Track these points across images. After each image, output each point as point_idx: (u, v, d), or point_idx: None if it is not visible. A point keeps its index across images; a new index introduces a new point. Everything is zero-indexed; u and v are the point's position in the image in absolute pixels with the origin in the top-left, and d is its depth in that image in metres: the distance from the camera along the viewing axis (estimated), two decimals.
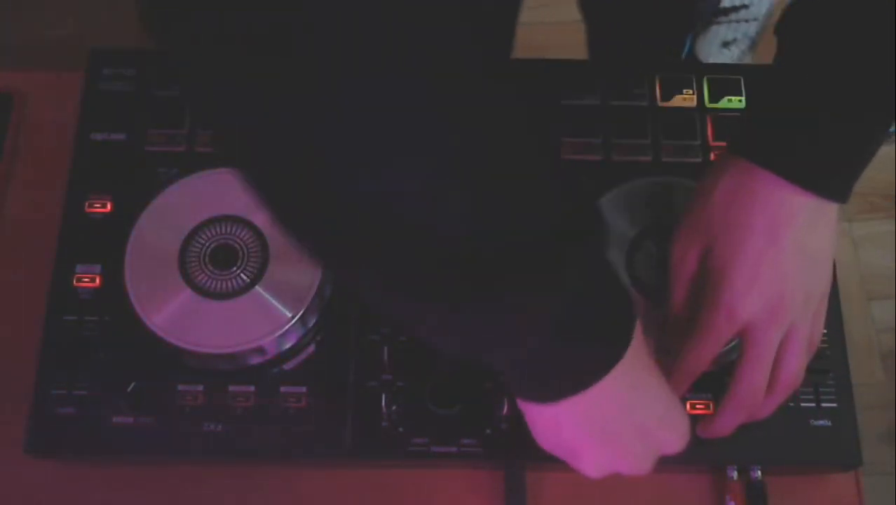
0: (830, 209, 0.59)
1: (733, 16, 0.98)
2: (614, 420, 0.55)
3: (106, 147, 0.73)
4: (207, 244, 0.68)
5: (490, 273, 0.42)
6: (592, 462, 0.58)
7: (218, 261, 0.68)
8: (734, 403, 0.61)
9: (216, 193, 0.70)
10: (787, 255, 0.58)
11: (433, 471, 0.69)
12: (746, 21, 0.98)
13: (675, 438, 0.58)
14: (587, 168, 0.73)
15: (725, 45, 1.02)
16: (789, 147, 0.58)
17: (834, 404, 0.68)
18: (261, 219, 0.69)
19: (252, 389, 0.67)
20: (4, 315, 0.73)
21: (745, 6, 0.97)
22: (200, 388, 0.67)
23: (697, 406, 0.67)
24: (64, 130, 0.75)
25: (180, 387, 0.67)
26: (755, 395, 0.60)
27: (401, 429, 0.67)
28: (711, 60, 1.05)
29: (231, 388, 0.67)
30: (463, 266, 0.41)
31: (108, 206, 0.71)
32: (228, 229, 0.69)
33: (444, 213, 0.39)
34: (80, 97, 0.75)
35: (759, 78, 0.74)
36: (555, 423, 0.56)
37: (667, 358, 0.62)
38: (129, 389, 0.67)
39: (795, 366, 0.60)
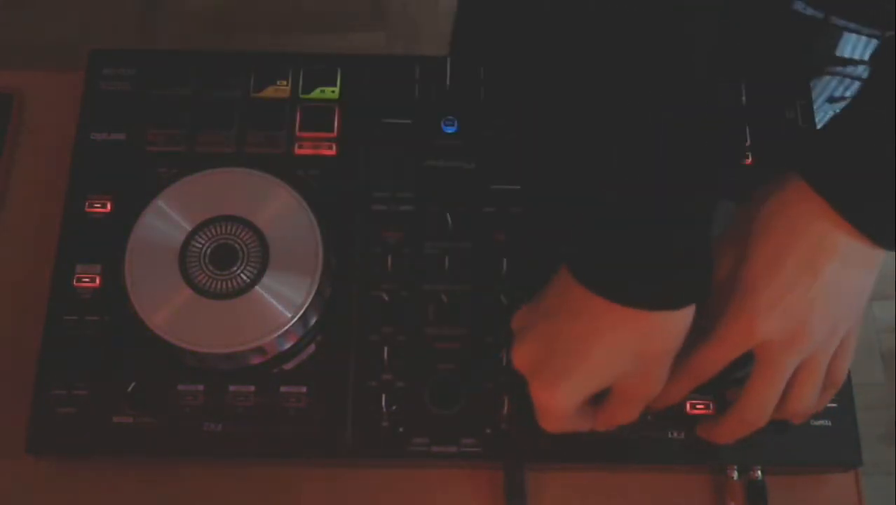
0: (876, 253, 0.58)
1: (849, 69, 0.86)
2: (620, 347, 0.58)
3: (106, 147, 0.73)
4: (207, 244, 0.68)
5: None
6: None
7: (218, 261, 0.68)
8: (738, 419, 0.61)
9: (216, 193, 0.70)
10: (821, 286, 0.57)
11: (433, 471, 0.69)
12: (861, 80, 0.87)
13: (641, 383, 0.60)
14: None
15: (832, 101, 0.89)
16: (851, 181, 0.56)
17: (834, 404, 0.68)
18: (261, 219, 0.69)
19: (252, 389, 0.67)
20: (4, 315, 0.73)
21: (863, 62, 0.85)
22: (200, 388, 0.67)
23: (698, 406, 0.67)
24: (64, 130, 0.75)
25: (180, 387, 0.67)
26: (760, 415, 0.60)
27: (401, 429, 0.67)
28: (817, 116, 0.90)
29: (231, 388, 0.67)
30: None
31: (108, 206, 0.71)
32: (228, 229, 0.69)
33: None
34: (80, 97, 0.75)
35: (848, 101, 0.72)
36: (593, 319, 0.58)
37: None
38: (129, 389, 0.67)
39: (806, 395, 0.60)
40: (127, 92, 0.75)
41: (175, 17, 1.70)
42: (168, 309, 0.66)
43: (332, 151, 0.74)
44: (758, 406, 0.59)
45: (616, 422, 0.62)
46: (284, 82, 0.76)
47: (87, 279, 0.69)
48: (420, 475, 0.69)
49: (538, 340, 0.60)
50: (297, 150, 0.73)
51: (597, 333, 0.58)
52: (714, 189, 0.59)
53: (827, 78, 0.87)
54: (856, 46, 0.83)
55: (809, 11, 0.80)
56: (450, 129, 0.74)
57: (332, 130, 0.74)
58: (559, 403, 0.59)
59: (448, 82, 0.76)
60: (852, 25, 0.80)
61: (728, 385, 0.65)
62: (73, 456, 0.68)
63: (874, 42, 0.82)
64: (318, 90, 0.75)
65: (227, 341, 0.66)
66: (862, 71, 0.86)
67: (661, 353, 0.59)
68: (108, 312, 0.68)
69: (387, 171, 0.73)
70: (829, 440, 0.67)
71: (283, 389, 0.67)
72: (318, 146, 0.74)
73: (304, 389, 0.67)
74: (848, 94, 0.78)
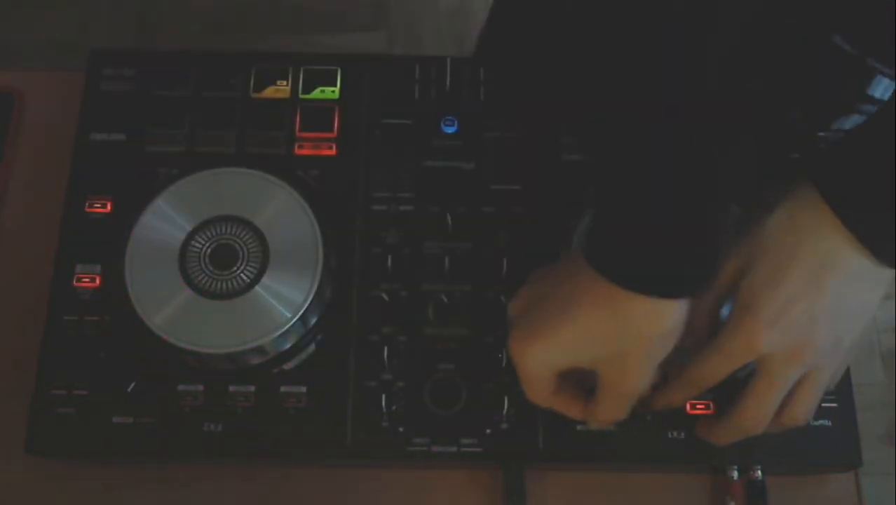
0: (883, 272, 0.57)
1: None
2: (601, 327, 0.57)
3: (106, 147, 0.73)
4: (207, 244, 0.68)
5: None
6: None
7: (218, 261, 0.68)
8: (735, 425, 0.61)
9: (216, 193, 0.70)
10: (825, 302, 0.56)
11: (433, 471, 0.69)
12: None
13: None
14: (588, 168, 0.73)
15: None
16: (861, 197, 0.56)
17: (834, 404, 0.68)
18: (261, 219, 0.69)
19: (252, 389, 0.67)
20: (4, 315, 0.73)
21: None
22: (200, 388, 0.67)
23: (698, 406, 0.67)
24: (64, 130, 0.75)
25: (180, 387, 0.67)
26: (758, 423, 0.60)
27: (401, 429, 0.67)
28: None
29: (231, 388, 0.67)
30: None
31: (108, 207, 0.71)
32: (228, 229, 0.69)
33: None
34: (80, 97, 0.75)
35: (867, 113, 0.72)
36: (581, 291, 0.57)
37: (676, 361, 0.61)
38: (129, 389, 0.67)
39: (807, 406, 0.59)
40: (127, 92, 0.75)
41: (175, 17, 1.69)
42: (168, 309, 0.66)
43: (332, 151, 0.74)
44: (756, 415, 0.59)
45: (601, 416, 0.61)
46: (284, 82, 0.76)
47: (87, 279, 0.69)
48: (420, 475, 0.69)
49: (527, 296, 0.61)
50: (297, 150, 0.73)
51: (577, 302, 0.57)
52: (722, 195, 0.58)
53: (856, 116, 0.86)
54: (888, 89, 0.83)
55: (847, 48, 0.80)
56: (450, 130, 0.74)
57: (332, 130, 0.74)
58: (528, 363, 0.59)
59: (448, 82, 0.76)
60: (886, 70, 0.81)
61: (729, 384, 0.65)
62: (73, 456, 0.68)
63: None
64: (318, 90, 0.75)
65: (227, 341, 0.66)
66: None
67: (639, 343, 0.57)
68: (108, 312, 0.68)
69: (387, 171, 0.73)
70: (829, 440, 0.67)
71: (283, 389, 0.67)
72: (318, 146, 0.74)
73: (304, 389, 0.67)
74: None
